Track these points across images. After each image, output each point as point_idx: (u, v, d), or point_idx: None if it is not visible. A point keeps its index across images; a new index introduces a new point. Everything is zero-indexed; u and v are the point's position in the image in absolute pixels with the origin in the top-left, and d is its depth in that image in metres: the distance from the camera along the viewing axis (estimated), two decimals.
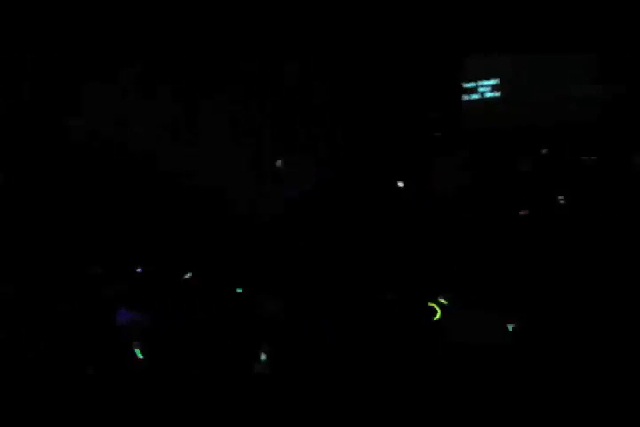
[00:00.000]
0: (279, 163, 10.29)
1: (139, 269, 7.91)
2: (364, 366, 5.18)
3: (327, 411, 4.63)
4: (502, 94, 11.03)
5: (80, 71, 10.17)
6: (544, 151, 10.28)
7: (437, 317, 5.87)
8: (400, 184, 10.40)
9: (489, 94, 11.11)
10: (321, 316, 6.15)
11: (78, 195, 9.53)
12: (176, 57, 10.45)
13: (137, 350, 5.66)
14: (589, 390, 4.71)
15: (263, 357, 5.37)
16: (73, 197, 9.49)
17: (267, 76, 10.75)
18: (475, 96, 11.21)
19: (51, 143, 9.93)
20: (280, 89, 10.80)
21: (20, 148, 9.77)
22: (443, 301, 6.06)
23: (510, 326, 4.97)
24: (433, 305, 5.94)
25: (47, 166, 9.71)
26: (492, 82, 11.10)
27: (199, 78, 10.59)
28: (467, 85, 11.24)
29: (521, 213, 8.77)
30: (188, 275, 7.48)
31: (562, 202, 8.81)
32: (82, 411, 4.54)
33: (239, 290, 7.15)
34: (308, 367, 5.17)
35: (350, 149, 10.72)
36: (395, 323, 5.89)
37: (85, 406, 4.62)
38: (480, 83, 11.16)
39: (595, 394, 4.67)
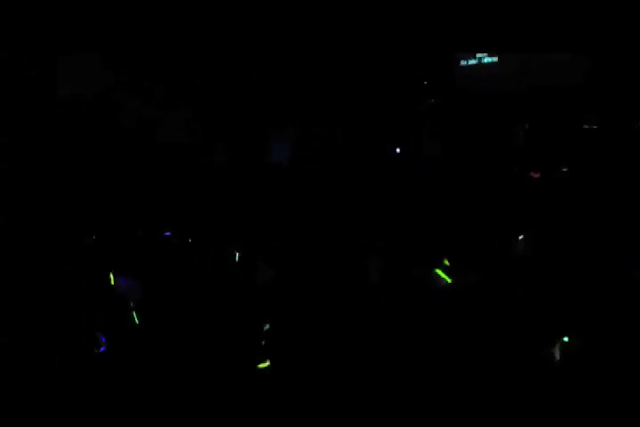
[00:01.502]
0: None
1: (167, 233, 7.89)
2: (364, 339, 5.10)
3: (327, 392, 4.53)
4: (500, 59, 10.90)
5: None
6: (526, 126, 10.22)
7: (447, 279, 5.83)
8: (397, 150, 10.36)
9: (487, 59, 10.99)
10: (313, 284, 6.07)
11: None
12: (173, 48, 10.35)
13: (134, 316, 5.62)
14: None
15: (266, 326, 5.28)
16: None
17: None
18: (472, 61, 11.08)
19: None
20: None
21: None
22: (445, 262, 6.03)
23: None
24: (438, 271, 5.89)
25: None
26: None
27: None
28: None
29: (533, 175, 8.74)
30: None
31: (564, 170, 8.79)
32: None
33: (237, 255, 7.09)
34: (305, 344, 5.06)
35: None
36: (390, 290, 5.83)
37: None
38: None
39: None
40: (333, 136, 10.50)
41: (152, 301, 5.94)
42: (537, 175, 8.79)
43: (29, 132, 9.81)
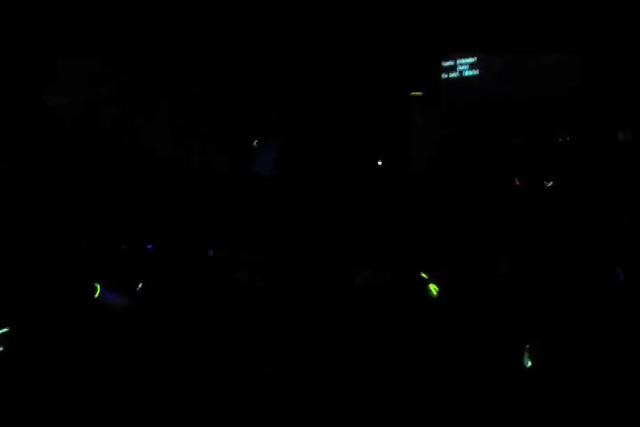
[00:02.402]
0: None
1: (148, 246, 7.75)
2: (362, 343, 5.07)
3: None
4: (480, 72, 11.00)
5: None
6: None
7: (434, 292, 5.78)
8: (379, 163, 10.34)
9: (468, 73, 11.09)
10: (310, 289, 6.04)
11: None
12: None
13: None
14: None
15: None
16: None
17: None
18: (453, 74, 11.18)
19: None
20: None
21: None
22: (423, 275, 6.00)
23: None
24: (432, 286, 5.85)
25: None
26: (471, 60, 11.07)
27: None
28: (445, 64, 11.21)
29: (516, 183, 8.77)
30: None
31: (549, 185, 8.84)
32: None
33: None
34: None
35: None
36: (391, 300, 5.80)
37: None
38: (459, 61, 11.12)
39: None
40: (333, 136, 10.51)
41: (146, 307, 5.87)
42: (519, 183, 8.84)
43: (27, 136, 9.68)
